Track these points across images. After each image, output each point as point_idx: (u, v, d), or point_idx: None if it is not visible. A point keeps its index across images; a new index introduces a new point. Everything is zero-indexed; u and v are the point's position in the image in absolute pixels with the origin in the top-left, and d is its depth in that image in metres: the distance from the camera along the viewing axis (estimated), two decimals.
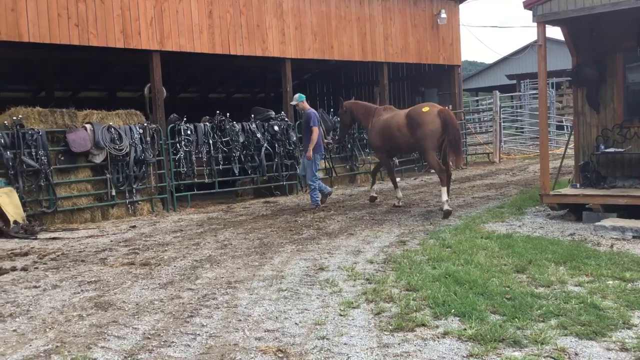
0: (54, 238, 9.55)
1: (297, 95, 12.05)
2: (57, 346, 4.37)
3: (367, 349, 4.15)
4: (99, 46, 11.89)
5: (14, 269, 7.19)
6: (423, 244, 7.61)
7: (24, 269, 7.19)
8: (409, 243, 7.76)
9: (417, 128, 10.14)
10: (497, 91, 22.65)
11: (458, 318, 4.71)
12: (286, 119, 14.72)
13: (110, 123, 11.65)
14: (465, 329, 4.43)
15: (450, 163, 10.41)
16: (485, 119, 27.05)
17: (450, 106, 19.38)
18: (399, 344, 4.23)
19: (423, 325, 4.57)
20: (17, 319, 5.13)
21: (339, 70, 22.35)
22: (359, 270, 6.39)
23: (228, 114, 13.75)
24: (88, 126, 11.37)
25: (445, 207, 9.71)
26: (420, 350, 4.11)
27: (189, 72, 20.45)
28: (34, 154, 10.56)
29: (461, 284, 5.54)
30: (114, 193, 11.71)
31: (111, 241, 9.04)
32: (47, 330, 4.78)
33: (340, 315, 4.90)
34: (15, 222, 9.93)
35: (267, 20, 14.50)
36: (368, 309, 5.02)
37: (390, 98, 18.67)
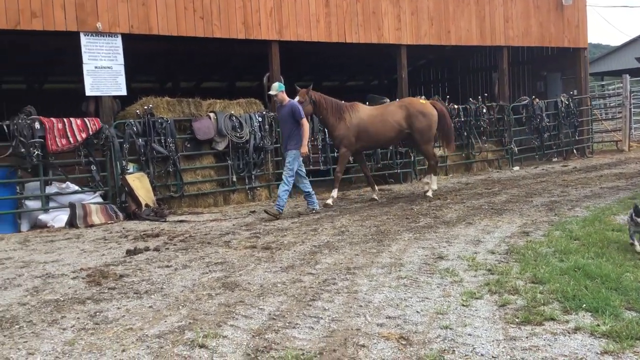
0: (181, 221, 10.10)
1: (276, 84, 10.35)
2: (190, 323, 4.62)
3: (492, 340, 4.05)
4: (222, 37, 12.36)
5: (147, 249, 7.69)
6: (548, 235, 7.29)
7: (156, 249, 7.67)
8: (533, 234, 7.46)
9: (417, 120, 11.00)
10: (628, 75, 21.14)
11: (590, 313, 4.47)
12: None
13: (232, 112, 12.10)
14: (598, 325, 4.21)
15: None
16: (612, 104, 25.37)
17: (575, 91, 18.36)
18: (526, 337, 4.09)
19: (552, 319, 4.38)
20: (153, 296, 5.47)
21: (454, 55, 21.79)
22: (480, 260, 6.23)
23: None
24: (212, 115, 11.89)
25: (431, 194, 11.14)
26: (550, 345, 3.95)
27: (304, 61, 20.77)
28: (162, 141, 11.20)
29: (592, 278, 5.26)
30: (234, 179, 12.19)
31: (233, 225, 9.42)
32: (180, 307, 5.07)
33: (463, 305, 4.80)
34: (147, 205, 10.61)
35: (383, 6, 14.40)
36: (492, 301, 4.89)
37: (510, 83, 17.96)
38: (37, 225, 10.24)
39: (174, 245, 7.94)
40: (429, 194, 11.27)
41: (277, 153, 12.93)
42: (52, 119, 10.20)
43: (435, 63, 23.79)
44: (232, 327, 4.48)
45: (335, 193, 10.98)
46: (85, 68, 10.58)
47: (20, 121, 9.84)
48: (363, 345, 4.01)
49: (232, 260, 6.80)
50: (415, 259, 6.46)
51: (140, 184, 10.74)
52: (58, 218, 10.20)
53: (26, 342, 4.36)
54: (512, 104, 17.26)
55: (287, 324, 4.49)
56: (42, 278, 6.37)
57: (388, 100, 14.80)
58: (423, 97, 11.93)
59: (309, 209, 10.37)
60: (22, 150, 9.77)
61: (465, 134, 15.81)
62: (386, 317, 4.58)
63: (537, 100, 17.43)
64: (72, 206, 10.09)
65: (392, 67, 16.88)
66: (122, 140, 10.82)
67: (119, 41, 10.88)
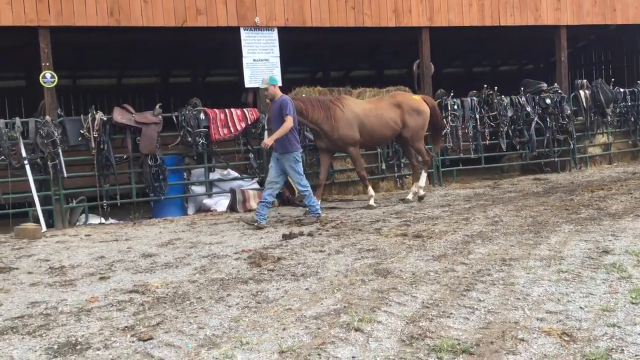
0: (332, 207, 10.36)
1: (267, 77, 9.13)
2: (344, 306, 4.75)
3: None
4: (372, 26, 12.43)
5: (301, 234, 7.99)
6: None
7: (309, 234, 7.95)
8: None
9: (411, 118, 10.14)
10: None
11: None
12: (559, 91, 13.80)
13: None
14: None
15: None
16: None
17: None
18: None
19: None
20: (308, 279, 5.69)
21: (619, 35, 20.10)
22: None
23: (496, 87, 13.36)
24: None
25: (422, 193, 10.45)
26: None
27: (453, 46, 20.28)
28: None
29: None
30: (383, 167, 12.26)
31: (383, 212, 9.49)
32: (335, 291, 5.22)
33: (632, 303, 4.48)
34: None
35: None
36: None
37: None
38: (201, 209, 11.06)
39: (326, 231, 8.18)
40: (410, 197, 10.48)
41: (427, 141, 12.78)
42: (215, 110, 10.92)
43: (596, 43, 22.10)
44: (386, 313, 4.54)
45: (371, 191, 10.25)
46: (244, 61, 11.18)
47: (187, 112, 10.65)
48: (522, 339, 3.89)
49: (384, 247, 6.87)
50: (577, 252, 6.11)
51: None
52: (220, 203, 10.96)
53: (196, 317, 4.73)
54: None
55: (441, 313, 4.46)
56: (208, 258, 6.87)
57: (545, 85, 14.06)
58: (403, 93, 11.03)
59: (253, 219, 8.81)
60: (189, 139, 10.57)
61: (632, 119, 14.59)
62: (546, 312, 4.39)
63: None
64: (232, 192, 10.77)
65: (548, 50, 15.98)
66: None
67: (275, 34, 11.35)
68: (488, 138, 13.17)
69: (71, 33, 11.28)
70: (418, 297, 4.88)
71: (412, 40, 13.33)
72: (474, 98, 13.16)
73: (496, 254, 6.20)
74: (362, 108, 10.11)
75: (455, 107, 12.85)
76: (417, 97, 10.73)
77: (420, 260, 6.16)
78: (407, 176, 12.53)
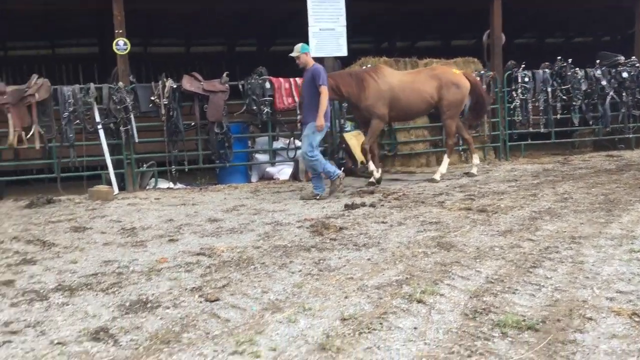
0: (395, 179, 10.31)
1: (298, 46, 8.75)
2: (406, 278, 4.75)
3: None
4: None
5: (363, 204, 8.00)
6: None
7: (372, 205, 7.94)
8: None
9: (449, 92, 9.64)
10: None
11: None
12: (637, 65, 13.15)
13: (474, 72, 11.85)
14: None
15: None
16: None
17: None
18: None
19: None
20: (370, 250, 5.70)
21: None
22: None
23: (570, 59, 12.85)
24: None
25: (438, 178, 9.89)
26: None
27: (525, 16, 19.58)
28: None
29: None
30: None
31: (447, 186, 9.37)
32: (397, 262, 5.22)
33: None
34: (362, 162, 10.98)
35: None
36: None
37: None
38: (264, 177, 11.24)
39: (389, 202, 8.15)
40: (436, 176, 9.94)
41: (494, 114, 12.49)
42: (280, 79, 10.98)
43: None
44: (449, 286, 4.51)
45: (372, 166, 9.73)
46: (310, 30, 11.13)
47: (253, 81, 10.75)
48: (590, 318, 3.79)
49: (447, 220, 6.80)
50: None
51: (356, 142, 11.13)
52: (283, 171, 11.09)
53: (260, 281, 4.84)
54: None
55: (506, 289, 4.40)
56: (271, 225, 6.98)
57: (623, 58, 13.42)
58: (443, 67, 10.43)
59: (312, 194, 8.80)
60: (254, 107, 10.70)
61: None
62: (616, 292, 4.26)
63: None
64: (295, 161, 10.85)
65: (627, 21, 15.18)
66: None
67: (342, 3, 11.22)
68: (559, 112, 12.74)
69: (143, 1, 11.53)
70: (482, 272, 4.82)
71: (482, 10, 12.94)
72: (546, 70, 12.71)
73: (565, 232, 6.03)
74: (399, 80, 9.71)
75: (526, 79, 12.45)
76: (458, 72, 10.24)
77: (485, 235, 6.07)
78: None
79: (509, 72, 12.56)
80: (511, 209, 7.25)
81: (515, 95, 12.42)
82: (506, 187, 8.94)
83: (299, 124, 9.97)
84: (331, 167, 8.82)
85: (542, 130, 12.74)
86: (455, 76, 9.88)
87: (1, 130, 9.65)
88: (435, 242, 5.85)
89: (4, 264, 5.65)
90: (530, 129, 12.67)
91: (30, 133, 9.53)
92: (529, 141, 12.93)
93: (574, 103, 12.72)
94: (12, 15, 13.10)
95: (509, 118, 12.53)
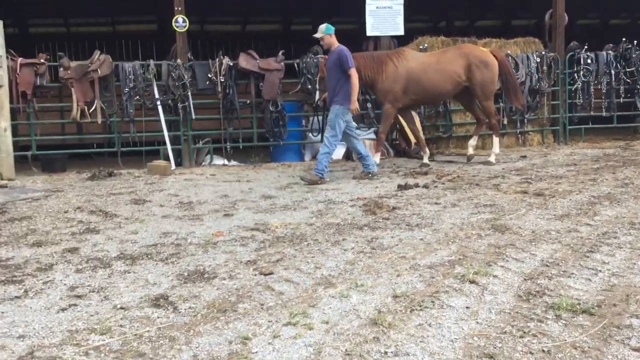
0: (449, 161, 10.21)
1: (323, 26, 8.54)
2: (459, 258, 4.74)
3: None
4: None
5: (416, 185, 7.97)
6: None
7: (425, 186, 7.91)
8: None
9: (478, 71, 9.31)
10: None
11: None
12: None
13: (508, 51, 11.63)
14: None
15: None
16: None
17: None
18: None
19: None
20: (423, 230, 5.70)
21: None
22: None
23: (635, 41, 12.36)
24: None
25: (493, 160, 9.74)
26: None
27: None
28: None
29: None
30: (505, 122, 11.83)
31: (503, 169, 9.23)
32: (450, 243, 5.21)
33: None
34: (416, 144, 10.90)
35: None
36: None
37: None
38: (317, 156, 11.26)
39: (442, 184, 8.10)
40: (491, 159, 9.72)
41: (555, 96, 12.17)
42: None
43: None
44: (503, 268, 4.48)
45: (377, 158, 9.38)
46: (367, 8, 11.06)
47: (308, 60, 10.78)
48: None
49: (502, 203, 6.71)
50: None
51: None
52: (336, 151, 11.07)
53: (313, 257, 4.91)
54: None
55: (562, 273, 4.34)
56: (324, 203, 7.05)
57: None
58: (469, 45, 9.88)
59: (364, 173, 8.76)
60: (309, 86, 10.73)
61: None
62: None
63: None
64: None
65: None
66: None
67: None
68: (623, 96, 12.32)
69: None
70: (537, 255, 4.77)
71: None
72: (610, 52, 12.28)
73: (624, 217, 5.88)
74: (421, 62, 9.45)
75: (589, 61, 12.07)
76: (485, 49, 9.94)
77: (541, 218, 5.97)
78: (530, 132, 12.06)
79: (571, 53, 12.19)
80: (569, 193, 7.10)
81: (577, 77, 12.07)
82: (565, 172, 8.74)
83: (320, 102, 9.83)
84: (324, 161, 8.51)
85: (604, 114, 12.35)
86: (483, 53, 9.63)
87: (65, 104, 10.01)
88: (489, 224, 5.79)
89: (69, 232, 5.91)
90: (592, 113, 12.30)
91: (93, 108, 9.86)
92: (590, 125, 12.56)
93: (638, 86, 12.27)
94: None
95: (570, 101, 12.19)
